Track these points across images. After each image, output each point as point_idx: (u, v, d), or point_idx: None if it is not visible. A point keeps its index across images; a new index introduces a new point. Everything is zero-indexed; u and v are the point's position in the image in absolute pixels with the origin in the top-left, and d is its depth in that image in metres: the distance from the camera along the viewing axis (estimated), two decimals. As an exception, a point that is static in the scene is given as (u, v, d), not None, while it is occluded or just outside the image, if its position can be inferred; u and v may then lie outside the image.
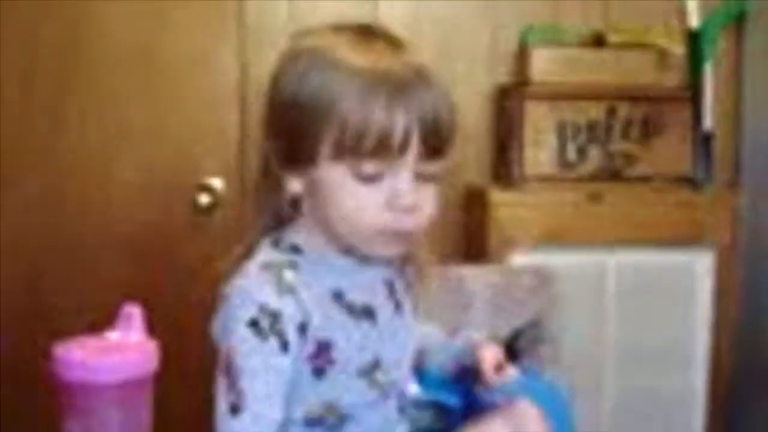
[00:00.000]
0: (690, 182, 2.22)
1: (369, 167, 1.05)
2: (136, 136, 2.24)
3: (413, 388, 1.29)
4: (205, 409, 1.39)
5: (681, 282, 2.19)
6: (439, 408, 1.38)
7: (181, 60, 2.24)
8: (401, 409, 1.20)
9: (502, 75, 2.31)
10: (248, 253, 1.14)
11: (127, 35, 2.22)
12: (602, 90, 2.18)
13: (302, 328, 1.07)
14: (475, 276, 1.78)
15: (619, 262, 2.15)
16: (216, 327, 1.09)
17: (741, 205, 2.26)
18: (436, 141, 1.07)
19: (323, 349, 1.07)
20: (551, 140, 2.17)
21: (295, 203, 1.13)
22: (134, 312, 1.07)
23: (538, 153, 2.17)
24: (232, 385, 1.03)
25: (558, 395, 1.50)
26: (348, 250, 1.12)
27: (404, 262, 1.23)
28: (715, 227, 2.19)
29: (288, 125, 1.10)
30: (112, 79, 2.23)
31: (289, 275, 1.08)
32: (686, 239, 2.18)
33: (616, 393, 2.18)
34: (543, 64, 2.18)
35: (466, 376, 1.32)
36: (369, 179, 1.06)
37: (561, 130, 2.17)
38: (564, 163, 2.17)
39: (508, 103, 2.25)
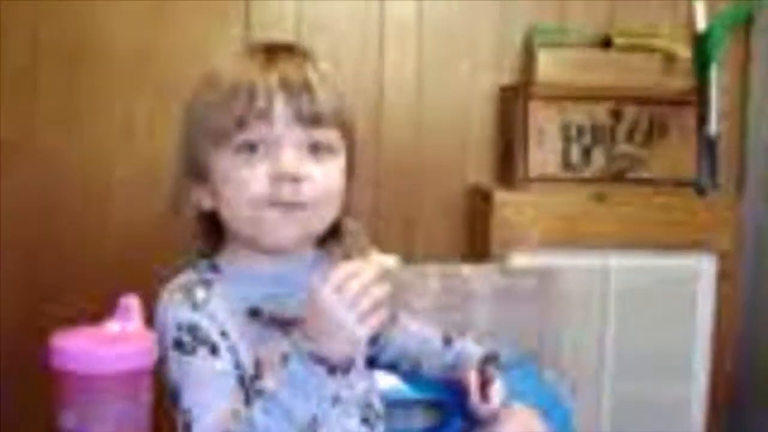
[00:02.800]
0: (694, 186, 2.21)
1: (241, 137, 1.09)
2: (138, 132, 2.23)
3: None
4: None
5: (683, 286, 2.18)
6: (433, 406, 1.37)
7: (184, 56, 2.23)
8: (366, 421, 1.18)
9: (507, 76, 2.31)
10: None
11: (129, 31, 2.21)
12: (607, 92, 2.17)
13: (224, 335, 1.07)
14: (477, 276, 1.77)
15: (622, 265, 2.14)
16: (159, 368, 1.10)
17: (744, 210, 2.26)
18: (307, 106, 1.09)
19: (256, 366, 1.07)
20: (555, 141, 2.16)
21: (213, 222, 1.16)
22: (133, 303, 1.06)
23: (542, 154, 2.16)
24: (181, 407, 1.03)
25: (558, 397, 1.50)
26: (268, 256, 1.14)
27: (333, 261, 1.19)
28: (718, 232, 2.17)
29: (183, 140, 1.18)
30: (115, 76, 2.21)
31: (200, 293, 1.10)
32: (689, 243, 2.16)
33: (615, 396, 2.17)
34: (548, 65, 2.17)
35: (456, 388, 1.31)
36: (245, 149, 1.09)
37: (565, 132, 2.16)
38: (568, 165, 2.17)
39: (512, 103, 2.24)
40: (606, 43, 2.23)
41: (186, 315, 1.07)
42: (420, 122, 2.30)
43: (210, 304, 1.09)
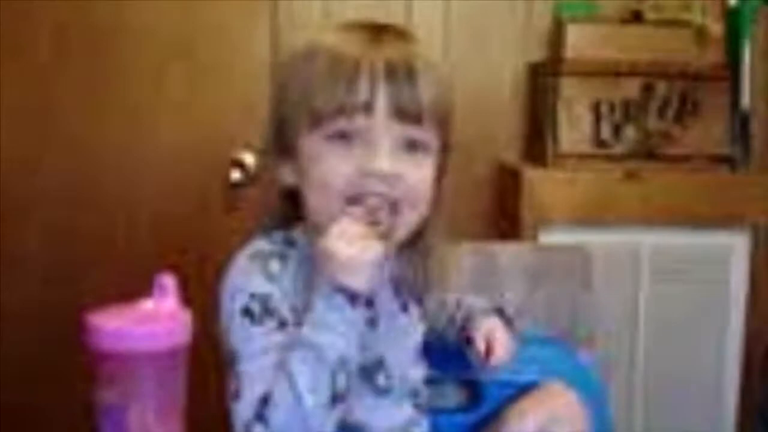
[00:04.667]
0: (727, 162, 2.18)
1: (336, 125, 1.05)
2: (167, 114, 2.24)
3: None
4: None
5: (716, 262, 2.16)
6: (466, 384, 1.37)
7: (213, 36, 2.24)
8: (416, 408, 1.19)
9: (536, 52, 2.29)
10: (243, 245, 1.14)
11: (157, 13, 2.22)
12: (638, 67, 2.15)
13: (293, 310, 1.06)
14: (508, 254, 1.76)
15: (654, 242, 2.13)
16: (218, 327, 1.09)
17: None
18: (409, 100, 1.05)
19: None
20: (586, 118, 2.14)
21: (294, 198, 1.13)
22: (168, 282, 1.07)
23: (573, 131, 2.14)
24: (234, 370, 1.03)
25: (591, 375, 1.49)
26: None
27: (414, 258, 1.19)
28: (751, 208, 2.16)
29: (275, 113, 1.13)
30: (145, 57, 2.23)
31: (274, 265, 1.09)
32: (722, 219, 2.15)
33: (648, 371, 2.16)
34: (578, 40, 2.15)
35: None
36: (339, 137, 1.06)
37: (596, 108, 2.14)
38: (599, 142, 2.15)
39: (542, 80, 2.22)
40: (636, 18, 2.21)
41: (259, 284, 1.06)
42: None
43: (283, 278, 1.08)
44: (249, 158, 2.22)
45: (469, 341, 1.27)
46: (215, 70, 2.25)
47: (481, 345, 1.25)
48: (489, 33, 2.30)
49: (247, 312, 1.05)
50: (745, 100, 2.18)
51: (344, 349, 1.00)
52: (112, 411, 1.00)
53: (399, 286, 1.20)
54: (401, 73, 1.05)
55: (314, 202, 1.09)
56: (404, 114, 1.05)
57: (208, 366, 1.28)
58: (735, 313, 2.18)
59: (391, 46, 1.07)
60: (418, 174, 1.08)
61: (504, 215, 2.25)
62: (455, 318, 1.32)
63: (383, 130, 1.05)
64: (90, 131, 2.23)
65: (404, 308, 1.21)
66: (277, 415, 0.98)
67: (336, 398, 0.99)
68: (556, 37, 2.21)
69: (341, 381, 0.99)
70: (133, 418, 1.00)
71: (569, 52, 2.15)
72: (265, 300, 1.05)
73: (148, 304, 1.06)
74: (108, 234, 2.25)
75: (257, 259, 1.09)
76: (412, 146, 1.08)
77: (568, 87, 2.14)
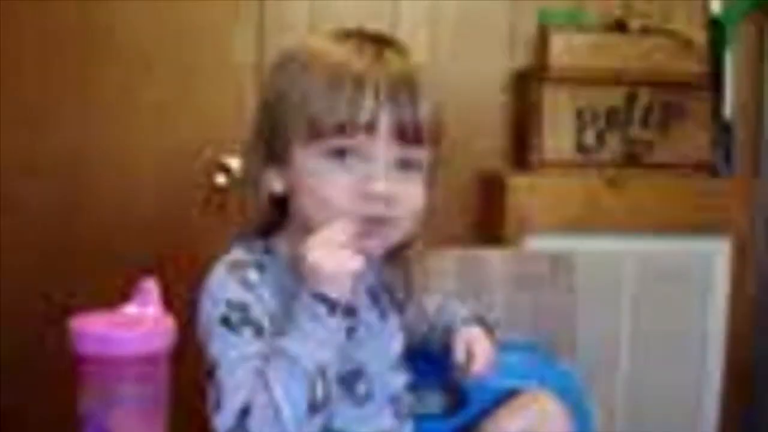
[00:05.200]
0: (709, 170, 2.20)
1: (337, 142, 1.04)
2: (154, 117, 2.24)
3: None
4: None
5: (698, 270, 2.18)
6: (450, 389, 1.37)
7: (198, 38, 2.24)
8: (397, 415, 1.19)
9: (521, 60, 2.30)
10: (224, 252, 1.14)
11: (142, 15, 2.22)
12: (622, 75, 2.16)
13: (273, 319, 1.06)
14: (492, 261, 1.77)
15: (637, 249, 2.14)
16: (198, 332, 1.09)
17: (760, 194, 2.25)
18: (410, 123, 1.05)
19: None
20: (570, 126, 2.15)
21: (280, 206, 1.13)
22: (151, 286, 1.07)
23: (556, 138, 2.15)
24: (214, 382, 1.03)
25: (573, 382, 1.50)
26: None
27: (392, 267, 1.20)
28: (733, 215, 2.17)
29: (266, 121, 1.12)
30: (129, 59, 2.22)
31: (252, 275, 1.09)
32: (704, 227, 2.16)
33: (631, 379, 2.17)
34: (562, 49, 2.16)
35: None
36: (339, 156, 1.05)
37: (580, 116, 2.15)
38: (582, 149, 2.16)
39: (526, 88, 2.23)
40: (620, 27, 2.22)
41: (237, 293, 1.07)
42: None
43: (261, 287, 1.08)
44: (235, 162, 2.22)
45: (449, 350, 1.27)
46: (201, 72, 2.24)
47: (461, 354, 1.25)
48: (475, 40, 2.31)
49: (225, 321, 1.05)
50: (728, 108, 2.20)
51: (322, 359, 1.00)
52: (94, 414, 1.00)
53: (377, 295, 1.21)
54: (403, 93, 1.05)
55: (314, 215, 1.08)
56: (405, 135, 1.05)
57: (189, 373, 1.29)
58: (717, 319, 2.19)
59: (394, 63, 1.07)
60: (412, 192, 1.09)
61: (488, 222, 2.25)
62: (436, 326, 1.33)
63: (383, 149, 1.05)
64: (75, 134, 2.22)
65: (382, 316, 1.21)
66: (257, 426, 0.98)
67: (315, 407, 1.00)
68: (540, 45, 2.22)
69: (319, 390, 1.00)
70: (115, 421, 1.00)
71: (554, 60, 2.16)
72: (242, 308, 1.06)
73: (130, 309, 1.06)
74: (94, 237, 2.24)
75: (235, 269, 1.09)
76: (406, 165, 1.08)
77: (552, 94, 2.15)
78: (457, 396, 1.32)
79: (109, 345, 1.00)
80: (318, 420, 1.01)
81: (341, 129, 1.04)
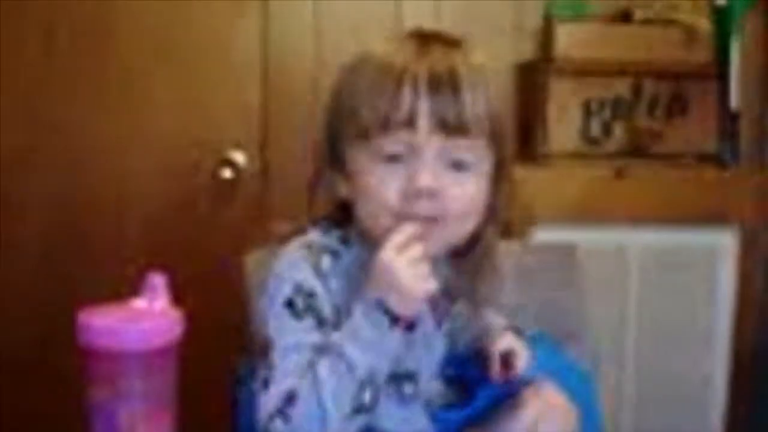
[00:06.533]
0: (715, 160, 2.19)
1: (381, 144, 1.04)
2: (158, 112, 2.24)
3: None
4: (225, 379, 1.40)
5: (704, 260, 2.17)
6: (455, 382, 1.37)
7: (203, 35, 2.24)
8: (433, 417, 1.20)
9: (527, 51, 2.30)
10: (291, 236, 1.13)
11: (148, 13, 2.22)
12: (628, 66, 2.16)
13: (337, 312, 1.07)
14: (500, 252, 1.76)
15: (643, 239, 2.14)
16: (259, 307, 1.10)
17: (766, 184, 2.24)
18: (452, 112, 1.03)
19: None
20: (576, 116, 2.15)
21: (347, 209, 1.12)
22: (159, 281, 1.07)
23: (563, 129, 2.15)
24: (267, 360, 1.04)
25: (580, 373, 1.50)
26: None
27: (457, 271, 1.18)
28: (739, 206, 2.17)
29: (328, 125, 1.12)
30: (135, 56, 2.23)
31: (326, 261, 1.09)
32: (711, 217, 2.16)
33: (637, 371, 2.17)
34: (568, 39, 2.16)
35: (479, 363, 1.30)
36: (386, 158, 1.05)
37: (586, 107, 2.15)
38: (589, 140, 2.16)
39: (532, 79, 2.23)
40: (625, 17, 2.22)
41: (307, 278, 1.07)
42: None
43: (332, 276, 1.08)
44: (240, 157, 2.22)
45: (484, 355, 1.27)
46: (205, 69, 2.25)
47: (496, 361, 1.24)
48: (480, 32, 2.29)
49: (289, 304, 1.06)
50: (734, 98, 2.19)
51: (376, 366, 1.01)
52: (102, 409, 1.00)
53: (436, 302, 1.19)
54: (445, 85, 1.03)
55: (365, 216, 1.08)
56: (448, 127, 1.03)
57: (196, 367, 1.29)
58: (723, 311, 2.19)
59: (437, 56, 1.05)
60: (465, 191, 1.06)
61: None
62: (472, 330, 1.32)
63: (426, 144, 1.04)
64: (81, 131, 2.23)
65: (438, 325, 1.21)
66: (299, 415, 1.00)
67: (360, 410, 1.00)
68: (546, 37, 2.22)
69: (367, 396, 1.01)
70: (123, 416, 1.00)
71: (559, 52, 2.16)
72: (309, 295, 1.06)
73: (139, 303, 1.06)
74: (100, 233, 2.25)
75: (309, 251, 1.09)
76: (458, 166, 1.06)
77: (558, 86, 2.15)
78: (465, 388, 1.32)
79: (118, 338, 1.00)
80: (361, 421, 1.02)
81: (383, 126, 1.03)
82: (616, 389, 2.16)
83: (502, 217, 1.18)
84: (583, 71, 2.15)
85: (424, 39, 1.08)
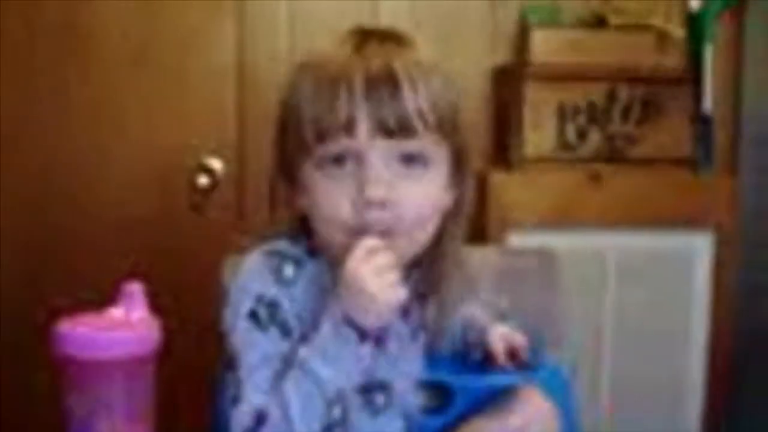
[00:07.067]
0: (690, 164, 2.21)
1: (323, 153, 1.01)
2: (134, 118, 2.23)
3: None
4: (203, 386, 1.39)
5: (680, 264, 2.19)
6: (434, 386, 1.37)
7: (178, 39, 2.23)
8: (410, 429, 1.18)
9: (502, 56, 2.30)
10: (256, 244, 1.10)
11: (123, 16, 2.21)
12: (602, 71, 2.17)
13: (302, 321, 1.04)
14: (475, 257, 1.77)
15: (619, 244, 2.15)
16: (223, 320, 1.07)
17: (741, 188, 2.26)
18: (391, 112, 0.98)
19: None
20: (551, 122, 2.16)
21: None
22: (136, 289, 1.06)
23: (538, 135, 2.16)
24: (235, 376, 1.02)
25: (558, 377, 1.50)
26: None
27: (424, 287, 1.15)
28: (714, 210, 2.19)
29: (276, 138, 1.09)
30: (108, 61, 2.21)
31: (288, 270, 1.06)
32: (686, 221, 2.17)
33: (614, 373, 2.18)
34: (543, 45, 2.16)
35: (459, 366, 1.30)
36: (331, 165, 1.01)
37: (561, 112, 2.16)
38: (564, 145, 2.17)
39: (507, 84, 2.24)
40: (600, 23, 2.23)
41: (269, 289, 1.04)
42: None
43: (295, 286, 1.05)
44: (216, 163, 2.22)
45: (484, 350, 1.27)
46: (181, 72, 2.24)
47: (500, 351, 1.25)
48: (455, 37, 2.31)
49: (253, 316, 1.03)
50: (707, 103, 2.20)
51: (344, 384, 0.98)
52: (81, 418, 1.00)
53: (409, 311, 1.16)
54: (382, 85, 0.99)
55: (320, 229, 1.05)
56: (389, 129, 0.99)
57: (173, 376, 1.29)
58: (699, 313, 2.20)
59: (373, 56, 1.01)
60: (418, 191, 1.02)
61: (470, 218, 2.25)
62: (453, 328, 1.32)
63: (370, 150, 0.99)
64: (56, 134, 2.21)
65: (413, 336, 1.18)
66: None
67: (330, 427, 0.98)
68: (521, 42, 2.22)
69: (336, 412, 0.98)
70: (102, 425, 0.99)
71: (534, 57, 2.16)
72: (272, 305, 1.03)
73: (116, 311, 1.06)
74: (74, 237, 2.23)
75: (272, 258, 1.06)
76: (409, 159, 1.02)
77: (533, 91, 2.15)
78: (444, 393, 1.32)
79: (96, 347, 0.99)
80: None
81: (322, 135, 0.99)
82: (592, 391, 2.17)
83: (468, 212, 1.14)
84: (559, 76, 2.15)
85: (361, 38, 1.04)
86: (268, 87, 2.18)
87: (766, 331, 2.30)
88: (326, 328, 0.98)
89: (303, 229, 1.09)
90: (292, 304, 1.04)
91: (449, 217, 1.11)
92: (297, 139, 1.02)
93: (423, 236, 1.06)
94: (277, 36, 2.23)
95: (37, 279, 2.22)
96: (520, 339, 1.28)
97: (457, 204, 1.11)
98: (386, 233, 1.00)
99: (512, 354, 1.27)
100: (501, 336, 1.28)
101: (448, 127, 1.04)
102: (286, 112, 1.06)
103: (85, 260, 2.22)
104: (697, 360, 2.21)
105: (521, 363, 1.27)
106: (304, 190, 1.05)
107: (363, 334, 0.98)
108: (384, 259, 0.98)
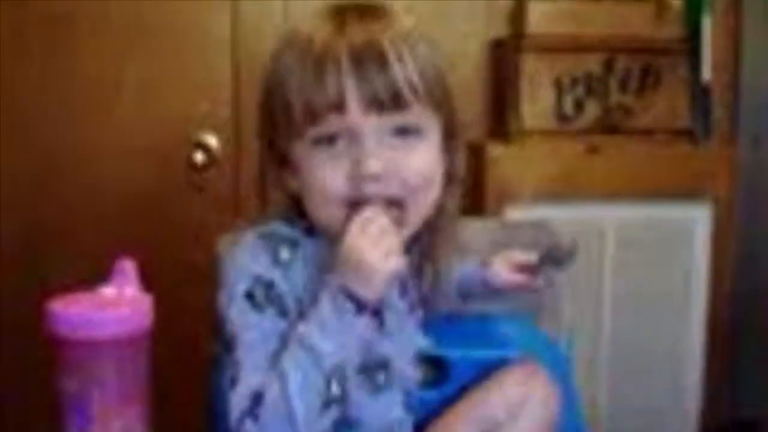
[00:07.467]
0: (688, 135, 2.20)
1: (315, 131, 1.00)
2: (129, 95, 2.22)
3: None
4: (197, 369, 1.39)
5: (679, 235, 2.18)
6: (432, 361, 1.37)
7: (174, 16, 2.21)
8: (408, 408, 1.18)
9: (498, 28, 2.28)
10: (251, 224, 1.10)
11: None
12: (599, 42, 2.15)
13: (299, 302, 1.04)
14: (473, 230, 1.76)
15: (617, 215, 2.15)
16: (219, 301, 1.07)
17: (739, 158, 2.25)
18: (382, 87, 0.99)
19: None
20: (548, 94, 2.15)
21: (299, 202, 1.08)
22: (128, 267, 1.05)
23: (535, 107, 2.15)
24: (232, 357, 1.02)
25: (557, 350, 1.50)
26: None
27: (420, 260, 1.16)
28: (713, 180, 2.18)
29: (263, 122, 1.08)
30: (105, 39, 2.20)
31: (284, 252, 1.06)
32: (684, 192, 2.17)
33: (613, 344, 2.18)
34: (539, 16, 2.15)
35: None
36: (326, 142, 1.01)
37: (558, 84, 2.15)
38: (561, 117, 2.16)
39: (504, 56, 2.22)
40: (597, -7, 2.21)
41: (265, 269, 1.04)
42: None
43: (292, 267, 1.05)
44: (212, 140, 2.21)
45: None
46: (175, 50, 2.22)
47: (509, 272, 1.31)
48: (452, 9, 2.29)
49: (249, 296, 1.03)
50: (706, 73, 2.19)
51: (343, 358, 0.98)
52: (74, 398, 0.99)
53: (406, 285, 1.17)
54: (369, 59, 0.98)
55: (314, 208, 1.05)
56: (381, 104, 0.99)
57: (167, 355, 1.28)
58: (697, 285, 2.20)
59: (356, 31, 1.00)
60: (414, 161, 1.03)
61: (467, 192, 2.24)
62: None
63: (363, 126, 0.99)
64: (50, 116, 2.20)
65: (411, 309, 1.19)
66: (267, 414, 0.97)
67: (329, 404, 0.98)
68: (518, 14, 2.21)
69: (335, 387, 0.98)
70: (96, 404, 0.99)
71: (531, 28, 2.15)
72: (268, 286, 1.03)
73: (108, 290, 1.05)
74: (71, 219, 2.23)
75: (268, 241, 1.06)
76: (403, 131, 1.02)
77: (530, 63, 2.14)
78: (440, 368, 1.32)
79: (90, 326, 0.99)
80: (331, 413, 0.99)
81: (313, 115, 0.99)
82: (592, 363, 2.17)
83: (461, 185, 1.15)
84: (555, 48, 2.14)
85: (342, 13, 1.03)
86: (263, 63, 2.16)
87: (764, 299, 2.30)
88: (324, 302, 0.98)
89: (296, 210, 1.09)
90: (288, 285, 1.04)
91: (442, 188, 1.11)
92: (286, 122, 1.02)
93: (429, 199, 1.07)
94: (273, 10, 2.21)
95: (36, 255, 2.21)
96: (520, 255, 1.29)
97: (450, 174, 1.12)
98: (395, 203, 1.02)
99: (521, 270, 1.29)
100: (501, 262, 1.28)
101: (438, 95, 1.04)
102: (272, 96, 1.05)
103: (80, 237, 2.21)
104: (697, 329, 2.21)
105: (534, 267, 1.31)
106: (296, 171, 1.05)
107: (361, 306, 0.98)
108: (378, 228, 0.98)
